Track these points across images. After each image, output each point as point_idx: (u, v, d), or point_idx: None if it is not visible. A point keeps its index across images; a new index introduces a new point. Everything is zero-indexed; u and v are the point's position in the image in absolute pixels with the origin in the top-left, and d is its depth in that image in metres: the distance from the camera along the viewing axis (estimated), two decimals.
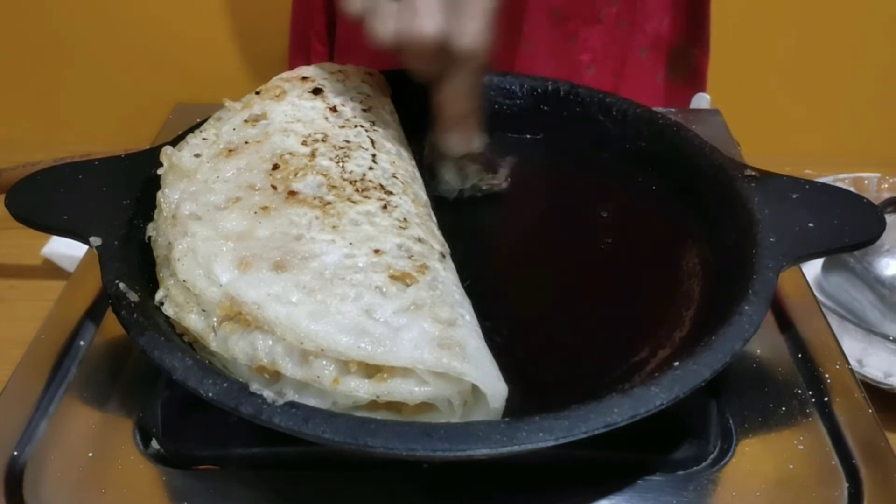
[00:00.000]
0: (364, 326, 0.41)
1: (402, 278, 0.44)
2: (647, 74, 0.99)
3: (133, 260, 0.49)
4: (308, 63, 0.86)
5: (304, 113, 0.58)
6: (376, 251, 0.46)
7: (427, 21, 0.52)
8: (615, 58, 0.96)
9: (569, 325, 0.55)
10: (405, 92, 0.71)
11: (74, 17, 1.29)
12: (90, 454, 0.47)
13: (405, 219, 0.50)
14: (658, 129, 0.66)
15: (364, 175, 0.53)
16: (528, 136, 0.72)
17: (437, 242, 0.50)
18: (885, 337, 0.67)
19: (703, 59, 1.00)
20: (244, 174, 0.51)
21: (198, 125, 0.59)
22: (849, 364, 0.54)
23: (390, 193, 0.52)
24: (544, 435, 0.39)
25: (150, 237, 0.51)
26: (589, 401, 0.40)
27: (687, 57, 0.99)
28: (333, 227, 0.48)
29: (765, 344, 0.55)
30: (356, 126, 0.58)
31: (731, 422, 0.50)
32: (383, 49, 0.54)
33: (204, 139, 0.56)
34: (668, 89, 1.00)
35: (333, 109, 0.59)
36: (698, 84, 1.01)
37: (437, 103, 0.58)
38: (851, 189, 0.66)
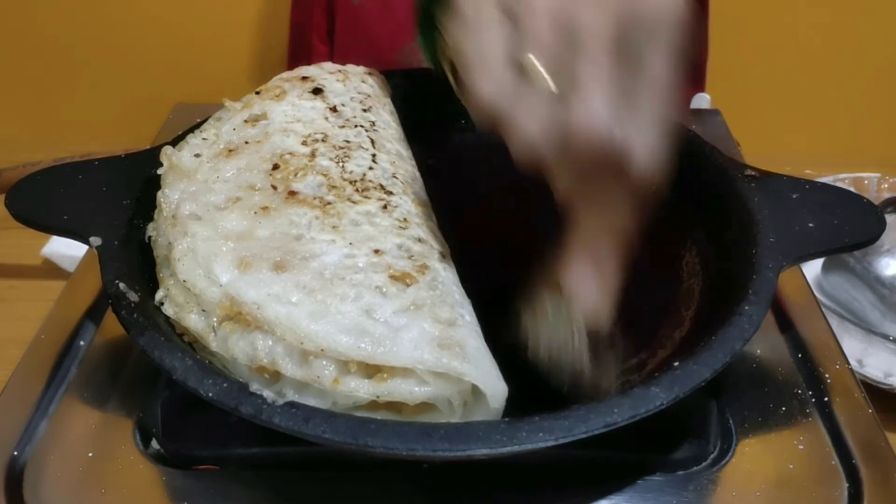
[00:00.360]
0: (364, 326, 0.41)
1: (402, 278, 0.44)
2: None
3: (133, 260, 0.49)
4: (308, 63, 0.86)
5: (304, 113, 0.58)
6: (376, 251, 0.46)
7: (596, 115, 0.37)
8: None
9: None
10: (405, 92, 0.71)
11: (74, 18, 1.29)
12: (90, 454, 0.47)
13: (405, 219, 0.50)
14: None
15: (364, 175, 0.53)
16: None
17: (438, 242, 0.51)
18: (885, 337, 0.67)
19: (703, 58, 1.00)
20: (244, 174, 0.51)
21: (198, 125, 0.59)
22: (849, 364, 0.54)
23: (390, 193, 0.52)
24: (544, 435, 0.39)
25: (150, 237, 0.51)
26: (589, 401, 0.40)
27: (687, 56, 0.99)
28: (333, 227, 0.48)
29: (765, 344, 0.55)
30: (356, 126, 0.58)
31: (731, 422, 0.50)
32: (525, 157, 0.39)
33: (204, 139, 0.56)
34: None
35: (333, 109, 0.59)
36: (698, 83, 1.01)
37: (576, 232, 0.43)
38: (851, 189, 0.66)
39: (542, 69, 0.38)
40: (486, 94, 0.39)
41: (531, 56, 0.38)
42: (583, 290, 0.42)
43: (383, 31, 0.93)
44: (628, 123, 0.38)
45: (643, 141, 0.38)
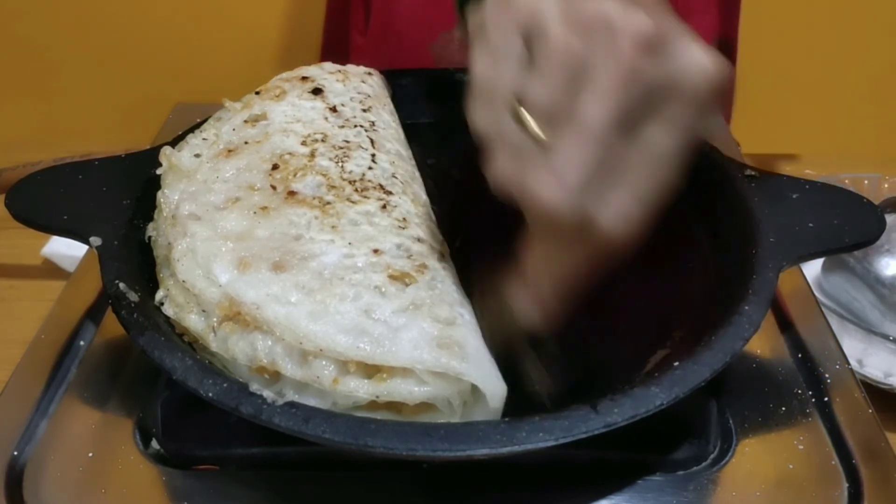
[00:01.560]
0: (363, 326, 0.41)
1: (401, 278, 0.44)
2: None
3: (133, 260, 0.49)
4: (345, 56, 0.86)
5: (304, 113, 0.58)
6: (375, 251, 0.46)
7: (556, 189, 0.36)
8: None
9: (568, 325, 0.54)
10: (405, 92, 0.71)
11: (75, 17, 1.29)
12: (90, 454, 0.47)
13: (404, 218, 0.50)
14: None
15: (363, 175, 0.53)
16: None
17: (437, 242, 0.51)
18: (885, 337, 0.67)
19: (734, 56, 0.99)
20: (244, 174, 0.51)
21: (198, 125, 0.59)
22: (849, 364, 0.54)
23: (390, 193, 0.52)
24: (544, 435, 0.39)
25: (150, 237, 0.51)
26: (588, 401, 0.40)
27: (723, 54, 0.99)
28: (332, 227, 0.48)
29: (765, 344, 0.55)
30: (356, 126, 0.58)
31: (731, 422, 0.50)
32: (497, 189, 0.39)
33: (204, 139, 0.56)
34: None
35: (333, 109, 0.59)
36: (729, 84, 1.00)
37: (527, 257, 0.42)
38: (851, 189, 0.66)
39: (531, 121, 0.37)
40: (478, 121, 0.39)
41: (523, 109, 0.37)
42: (519, 307, 0.43)
43: (417, 22, 0.92)
44: (600, 197, 0.37)
45: (613, 216, 0.37)
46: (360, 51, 0.99)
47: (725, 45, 0.98)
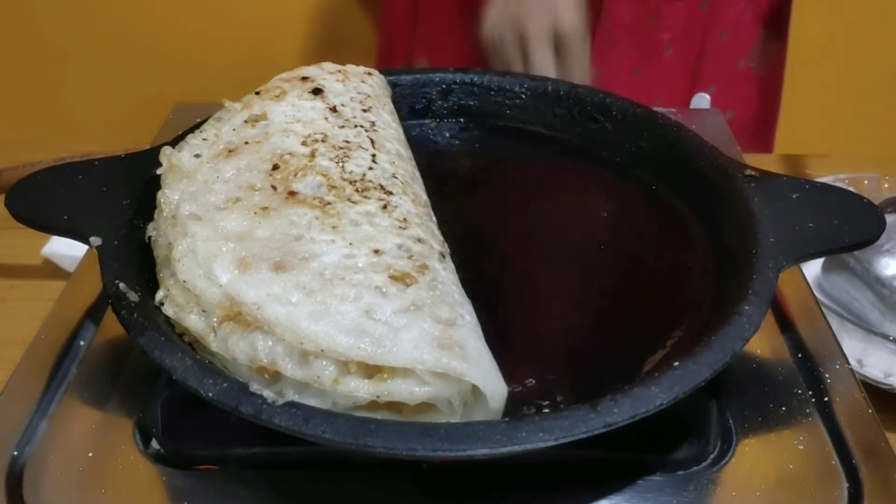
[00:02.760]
0: (364, 327, 0.41)
1: (401, 278, 0.44)
2: (727, 60, 0.97)
3: (133, 260, 0.49)
4: (400, 40, 0.92)
5: (304, 113, 0.58)
6: (376, 251, 0.46)
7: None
8: (694, 40, 0.95)
9: (569, 326, 0.54)
10: (405, 92, 0.71)
11: (75, 18, 1.30)
12: (90, 454, 0.47)
13: (405, 219, 0.50)
14: (658, 129, 0.66)
15: (364, 175, 0.53)
16: (528, 136, 0.72)
17: (437, 242, 0.50)
18: (885, 337, 0.67)
19: (782, 54, 0.98)
20: (244, 174, 0.51)
21: (198, 125, 0.59)
22: (849, 364, 0.54)
23: (390, 193, 0.52)
24: (544, 435, 0.39)
25: (150, 237, 0.51)
26: (588, 401, 0.40)
27: (767, 48, 0.98)
28: (333, 227, 0.48)
29: (765, 344, 0.55)
30: (356, 126, 0.58)
31: (731, 422, 0.50)
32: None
33: (204, 139, 0.56)
34: (747, 78, 0.99)
35: (333, 109, 0.59)
36: (776, 78, 1.00)
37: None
38: (851, 189, 0.66)
39: None
40: (483, 38, 0.82)
41: None
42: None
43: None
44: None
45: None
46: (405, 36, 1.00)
47: (780, 17, 0.98)
